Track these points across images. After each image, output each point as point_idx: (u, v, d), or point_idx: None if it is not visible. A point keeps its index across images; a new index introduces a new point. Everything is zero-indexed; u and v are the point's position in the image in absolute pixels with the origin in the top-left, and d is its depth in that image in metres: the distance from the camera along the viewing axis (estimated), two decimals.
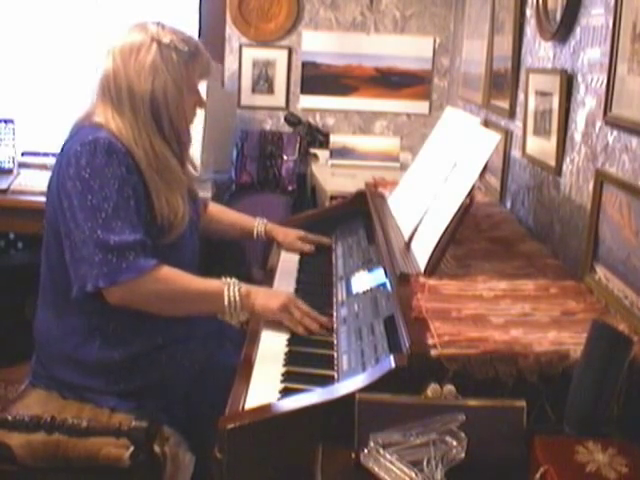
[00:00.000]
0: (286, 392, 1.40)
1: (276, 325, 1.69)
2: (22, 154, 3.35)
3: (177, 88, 1.71)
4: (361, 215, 2.35)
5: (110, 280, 1.57)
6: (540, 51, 2.17)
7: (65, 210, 1.63)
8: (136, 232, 1.61)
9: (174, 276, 1.65)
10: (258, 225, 2.22)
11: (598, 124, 1.68)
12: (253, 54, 3.72)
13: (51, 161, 3.26)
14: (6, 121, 3.26)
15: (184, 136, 1.79)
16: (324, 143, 3.65)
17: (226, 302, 1.67)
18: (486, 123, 2.64)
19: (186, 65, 1.73)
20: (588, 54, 1.77)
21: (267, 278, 2.07)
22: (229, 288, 1.67)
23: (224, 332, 1.97)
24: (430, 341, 1.29)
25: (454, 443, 1.13)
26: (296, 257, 2.22)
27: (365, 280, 1.87)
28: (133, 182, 1.64)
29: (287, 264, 2.16)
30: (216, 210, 2.23)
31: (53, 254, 1.71)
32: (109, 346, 1.68)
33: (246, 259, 2.83)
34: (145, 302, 1.65)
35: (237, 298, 1.67)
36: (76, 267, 1.61)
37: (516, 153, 2.36)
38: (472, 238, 1.91)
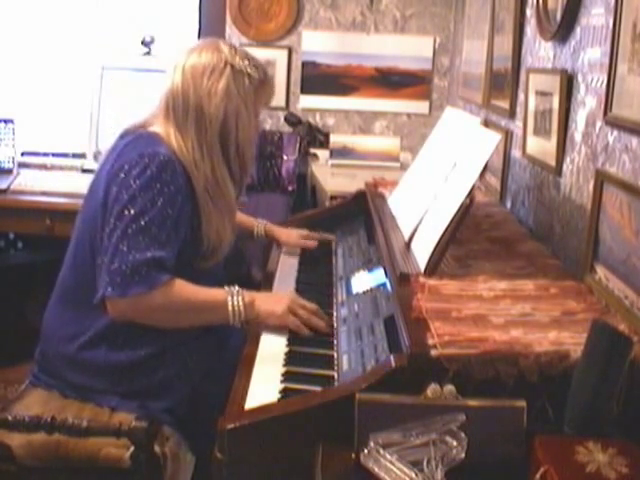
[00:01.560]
0: (286, 392, 1.40)
1: (278, 325, 1.69)
2: (22, 154, 3.35)
3: (247, 114, 1.70)
4: (361, 215, 2.35)
5: (120, 291, 1.55)
6: (540, 51, 2.17)
7: (106, 214, 1.61)
8: (160, 250, 1.58)
9: (180, 290, 1.62)
10: (258, 225, 2.22)
11: (598, 124, 1.68)
12: (253, 54, 3.71)
13: (51, 161, 3.31)
14: (6, 121, 3.26)
15: (248, 160, 1.76)
16: (324, 143, 3.65)
17: (230, 312, 1.65)
18: (486, 123, 2.64)
19: (256, 91, 1.72)
20: (588, 54, 1.77)
21: (267, 278, 2.07)
22: (233, 297, 1.65)
23: (224, 332, 1.97)
24: (430, 341, 1.29)
25: (454, 443, 1.13)
26: (296, 257, 2.22)
27: (365, 280, 1.86)
28: (179, 203, 1.61)
29: (287, 264, 2.16)
30: None
31: (85, 255, 1.68)
32: (117, 349, 1.67)
33: (246, 259, 2.83)
34: (148, 316, 1.63)
35: (241, 307, 1.65)
36: (99, 273, 1.60)
37: (516, 153, 2.36)
38: (472, 238, 1.91)
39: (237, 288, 1.67)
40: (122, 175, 1.60)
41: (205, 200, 1.66)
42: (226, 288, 1.68)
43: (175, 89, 1.68)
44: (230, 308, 1.65)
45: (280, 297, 1.75)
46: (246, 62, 1.71)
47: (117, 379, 1.67)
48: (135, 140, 1.67)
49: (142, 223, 1.57)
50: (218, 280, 1.77)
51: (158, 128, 1.69)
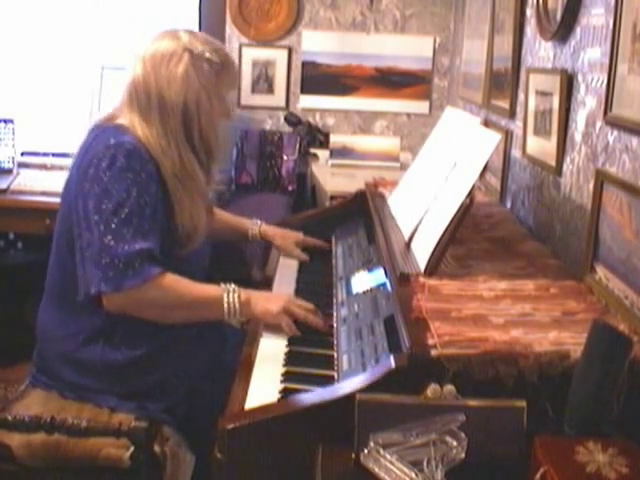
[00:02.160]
0: (286, 392, 1.40)
1: (276, 326, 1.69)
2: (22, 154, 3.35)
3: (208, 99, 1.70)
4: (361, 215, 2.35)
5: (114, 285, 1.56)
6: (540, 51, 2.17)
7: (80, 210, 1.62)
8: (146, 240, 1.59)
9: (175, 284, 1.63)
10: (252, 227, 2.20)
11: (598, 124, 1.68)
12: (253, 54, 3.72)
13: (51, 161, 3.31)
14: (6, 121, 3.26)
15: (214, 145, 1.76)
16: (324, 143, 3.65)
17: (225, 309, 1.66)
18: (486, 123, 2.64)
19: (216, 75, 1.71)
20: (588, 54, 1.77)
21: (267, 278, 2.07)
22: (228, 295, 1.66)
23: (224, 332, 1.97)
24: (430, 341, 1.29)
25: (454, 443, 1.13)
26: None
27: (365, 280, 1.86)
28: (153, 190, 1.62)
29: (287, 264, 2.15)
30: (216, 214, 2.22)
31: (65, 253, 1.69)
32: (113, 348, 1.67)
33: (246, 259, 2.83)
34: (144, 310, 1.63)
35: (237, 305, 1.66)
36: (83, 269, 1.60)
37: (516, 153, 2.36)
38: (472, 238, 1.91)
39: (233, 286, 1.68)
40: (92, 170, 1.60)
41: (175, 185, 1.66)
42: (222, 285, 1.68)
43: (136, 79, 1.69)
44: (226, 305, 1.65)
45: (277, 297, 1.75)
46: (205, 47, 1.70)
47: (115, 379, 1.67)
48: (101, 133, 1.68)
49: (122, 215, 1.57)
50: (200, 269, 1.78)
51: (123, 119, 1.69)
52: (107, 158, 1.60)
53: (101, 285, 1.56)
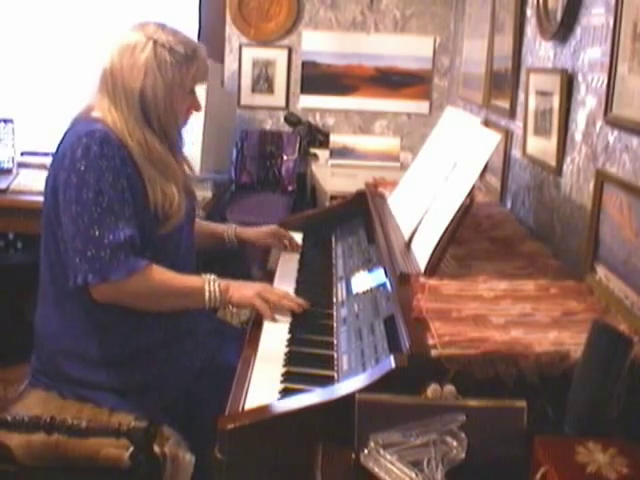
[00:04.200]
0: (286, 392, 1.40)
1: (276, 325, 1.70)
2: (21, 154, 3.35)
3: (167, 88, 1.73)
4: (361, 215, 2.35)
5: (100, 277, 1.60)
6: (540, 51, 2.17)
7: (60, 202, 1.66)
8: (129, 227, 1.64)
9: (160, 275, 1.69)
10: (228, 230, 2.20)
11: (598, 124, 1.68)
12: (253, 54, 3.72)
13: (51, 161, 3.30)
14: (5, 121, 3.26)
15: (172, 135, 1.80)
16: (324, 143, 3.64)
17: (207, 297, 1.72)
18: (486, 123, 2.64)
19: (180, 67, 1.74)
20: (588, 54, 1.77)
21: (267, 278, 2.07)
22: (209, 284, 1.73)
23: (224, 332, 1.98)
24: (430, 341, 1.29)
25: (454, 443, 1.13)
26: (296, 257, 2.21)
27: (365, 280, 1.86)
28: (127, 173, 1.66)
29: (287, 264, 2.15)
30: None
31: (52, 248, 1.72)
32: (109, 340, 1.70)
33: (246, 259, 2.83)
34: (130, 300, 1.68)
35: (217, 293, 1.73)
36: (69, 260, 1.64)
37: (516, 153, 2.36)
38: (472, 238, 1.91)
39: (213, 276, 1.75)
40: (67, 161, 1.65)
41: (144, 164, 1.70)
42: (203, 276, 1.75)
43: (106, 69, 1.74)
44: (207, 294, 1.72)
45: (252, 284, 1.83)
46: (170, 38, 1.75)
47: (113, 373, 1.69)
48: (74, 126, 1.74)
49: (104, 204, 1.62)
50: (187, 250, 1.83)
51: (97, 110, 1.75)
52: (80, 148, 1.64)
53: (88, 276, 1.60)
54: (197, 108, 1.85)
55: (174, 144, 1.82)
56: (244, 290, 1.76)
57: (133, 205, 1.66)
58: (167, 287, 1.71)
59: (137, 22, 1.81)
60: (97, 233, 1.60)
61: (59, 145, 1.75)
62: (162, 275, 1.69)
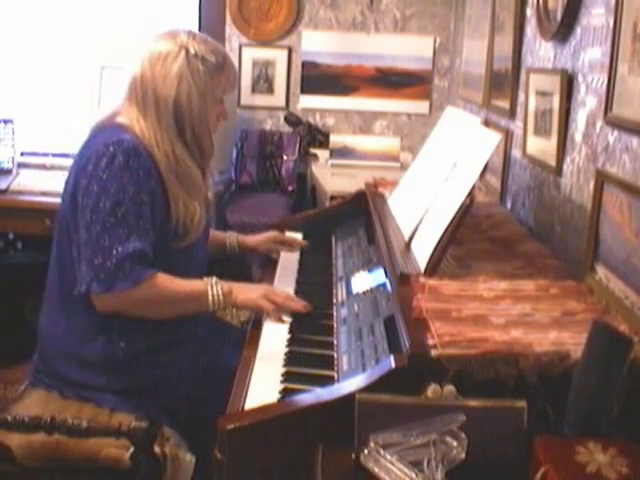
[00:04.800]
0: (286, 392, 1.40)
1: (276, 325, 1.70)
2: (21, 154, 3.35)
3: (201, 97, 1.72)
4: (361, 215, 2.35)
5: (105, 287, 1.60)
6: (540, 51, 2.17)
7: (78, 206, 1.65)
8: (140, 239, 1.62)
9: (164, 282, 1.67)
10: (229, 238, 2.19)
11: (599, 124, 1.68)
12: (253, 54, 3.72)
13: (51, 161, 3.31)
14: (5, 121, 3.26)
15: (206, 145, 1.79)
16: (324, 143, 3.65)
17: (210, 300, 1.71)
18: (486, 123, 2.64)
19: (212, 76, 1.74)
20: (589, 54, 1.77)
21: (267, 278, 2.06)
22: (212, 287, 1.72)
23: (224, 332, 1.97)
24: (430, 341, 1.29)
25: (454, 443, 1.13)
26: (296, 257, 2.21)
27: (365, 280, 1.86)
28: (151, 187, 1.65)
29: (287, 264, 2.15)
30: None
31: (64, 251, 1.72)
32: (112, 344, 1.70)
33: (246, 259, 2.83)
34: (134, 309, 1.67)
35: (220, 297, 1.72)
36: (79, 265, 1.63)
37: (516, 153, 2.36)
38: (472, 238, 1.91)
39: (215, 279, 1.74)
40: (90, 167, 1.63)
41: (169, 178, 1.69)
42: (205, 279, 1.74)
43: (136, 77, 1.73)
44: (210, 298, 1.71)
45: (257, 286, 1.84)
46: (202, 47, 1.74)
47: (114, 376, 1.69)
48: (101, 132, 1.72)
49: (119, 215, 1.61)
50: (199, 263, 1.82)
51: (123, 117, 1.73)
52: (106, 156, 1.62)
53: (93, 285, 1.60)
54: (225, 116, 1.85)
55: (206, 154, 1.81)
56: (249, 292, 1.76)
57: (151, 219, 1.65)
58: (170, 294, 1.69)
59: (167, 30, 1.79)
60: (107, 243, 1.59)
61: (82, 149, 1.73)
62: (164, 282, 1.67)
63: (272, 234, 2.27)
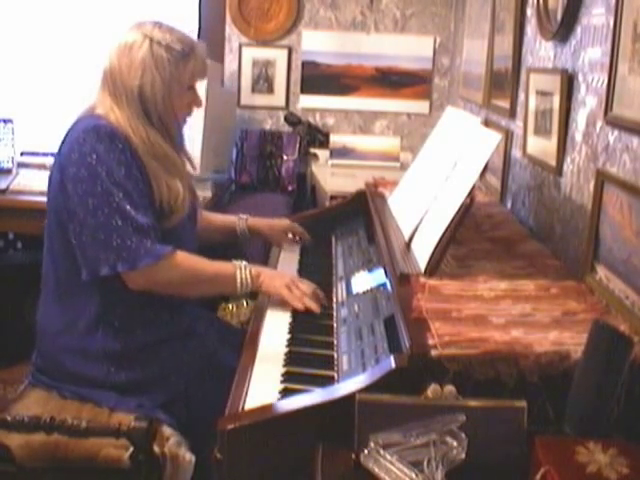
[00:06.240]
0: (286, 392, 1.40)
1: (276, 325, 1.70)
2: (21, 154, 3.34)
3: (165, 85, 1.75)
4: (361, 215, 2.35)
5: (130, 265, 1.63)
6: (541, 51, 2.17)
7: (70, 195, 1.66)
8: (148, 216, 1.67)
9: (189, 261, 1.73)
10: (239, 222, 2.21)
11: (599, 124, 1.68)
12: (253, 54, 3.72)
13: (51, 161, 3.29)
14: (5, 121, 3.26)
15: (172, 132, 1.82)
16: (324, 143, 3.64)
17: (238, 283, 1.77)
18: (487, 123, 2.64)
19: (177, 64, 1.76)
20: (589, 54, 1.77)
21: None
22: (241, 270, 1.78)
23: (224, 332, 1.98)
24: (430, 341, 1.29)
25: (454, 443, 1.13)
26: (296, 257, 2.21)
27: (365, 280, 1.86)
28: (137, 165, 1.69)
29: (287, 264, 2.15)
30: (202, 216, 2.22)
31: (56, 243, 1.73)
32: (111, 336, 1.71)
33: (246, 257, 2.82)
34: (163, 286, 1.71)
35: (248, 279, 1.77)
36: (87, 251, 1.64)
37: (517, 153, 2.36)
38: (472, 238, 1.91)
39: (244, 262, 1.80)
40: (75, 154, 1.67)
41: (148, 160, 1.72)
42: (234, 262, 1.80)
43: (106, 69, 1.77)
44: (239, 279, 1.77)
45: (282, 274, 1.90)
46: (167, 35, 1.77)
47: (114, 368, 1.70)
48: (78, 124, 1.76)
49: (121, 194, 1.64)
50: (189, 244, 1.83)
51: (99, 108, 1.77)
52: (88, 141, 1.66)
53: (117, 265, 1.62)
54: (198, 104, 1.87)
55: (173, 140, 1.83)
56: (274, 279, 1.81)
57: (147, 196, 1.69)
58: (199, 273, 1.74)
59: (135, 22, 1.83)
60: (120, 222, 1.62)
61: (62, 144, 1.76)
62: (191, 261, 1.73)
63: (287, 225, 2.28)
